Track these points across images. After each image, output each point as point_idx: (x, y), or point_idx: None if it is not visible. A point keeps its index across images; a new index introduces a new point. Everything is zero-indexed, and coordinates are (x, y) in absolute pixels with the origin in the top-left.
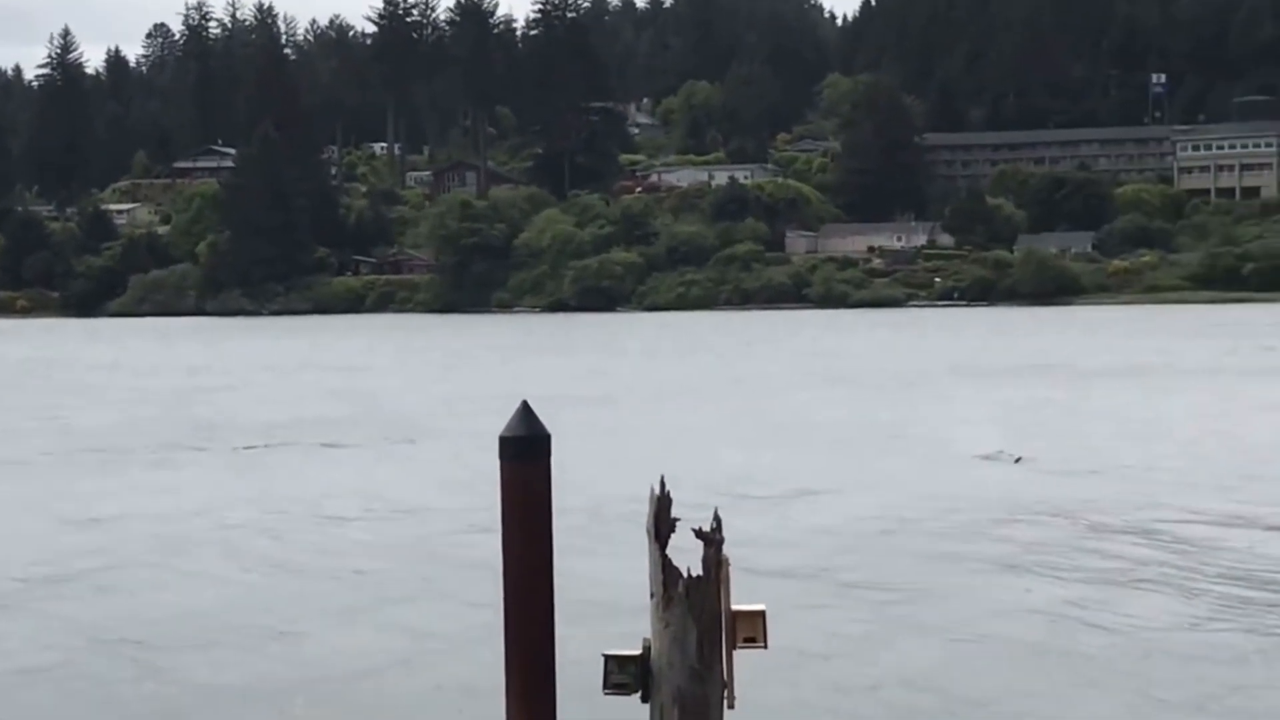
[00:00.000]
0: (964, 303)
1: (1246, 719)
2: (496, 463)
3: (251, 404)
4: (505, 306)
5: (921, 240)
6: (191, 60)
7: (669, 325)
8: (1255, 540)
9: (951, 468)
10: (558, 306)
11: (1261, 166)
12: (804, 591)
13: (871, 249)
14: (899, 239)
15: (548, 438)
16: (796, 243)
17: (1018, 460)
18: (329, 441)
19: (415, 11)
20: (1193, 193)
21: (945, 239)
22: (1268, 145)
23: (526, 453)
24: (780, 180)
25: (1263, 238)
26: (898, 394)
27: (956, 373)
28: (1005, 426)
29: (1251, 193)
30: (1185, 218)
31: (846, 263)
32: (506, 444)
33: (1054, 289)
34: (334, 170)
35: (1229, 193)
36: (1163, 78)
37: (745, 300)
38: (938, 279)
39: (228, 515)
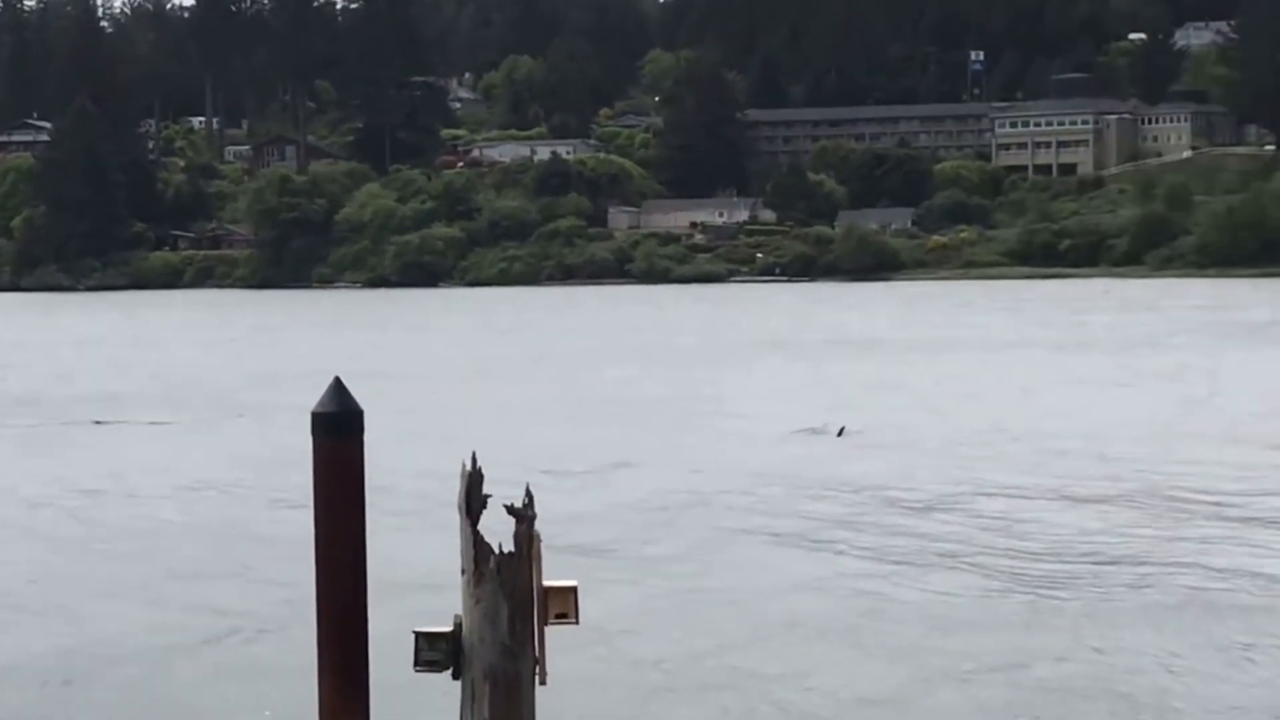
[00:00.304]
0: (785, 278)
1: (1044, 690)
2: (309, 439)
3: (61, 380)
4: (326, 282)
5: (743, 216)
6: (6, 33)
7: (491, 301)
8: (1060, 514)
9: (770, 442)
10: (379, 282)
11: (1078, 143)
12: (618, 567)
13: (694, 225)
14: (721, 215)
15: (360, 414)
16: (619, 218)
17: (840, 433)
18: (141, 418)
19: None
20: (1010, 169)
21: (767, 215)
22: (1084, 122)
23: (339, 429)
24: (603, 156)
25: (1079, 214)
26: (718, 369)
27: (777, 347)
28: (826, 400)
29: (1068, 169)
30: (1003, 194)
31: (669, 238)
32: (319, 420)
33: (874, 264)
34: (151, 144)
35: (1046, 169)
36: (981, 55)
37: (568, 276)
38: (760, 255)
39: (33, 493)
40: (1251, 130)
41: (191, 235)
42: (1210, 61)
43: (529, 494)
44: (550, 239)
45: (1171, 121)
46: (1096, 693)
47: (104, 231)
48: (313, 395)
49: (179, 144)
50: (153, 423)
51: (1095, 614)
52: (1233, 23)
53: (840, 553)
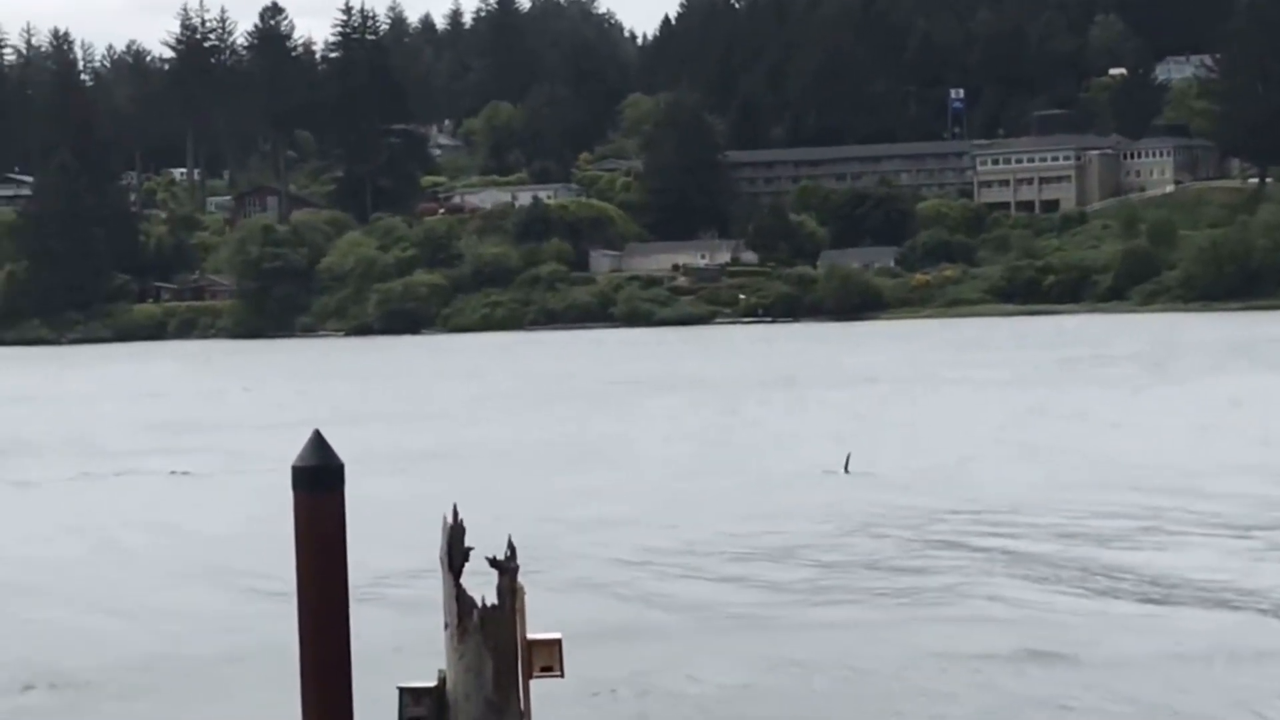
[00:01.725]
0: (769, 319)
1: None
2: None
3: (48, 431)
4: (309, 331)
5: (725, 258)
6: None
7: (473, 347)
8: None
9: (785, 481)
10: (362, 330)
11: (1060, 179)
12: (606, 617)
13: (676, 267)
14: (703, 257)
15: (341, 467)
16: (601, 262)
17: (846, 464)
18: (114, 469)
19: (212, 36)
20: (993, 206)
21: (749, 256)
22: (1065, 158)
23: (319, 483)
24: (584, 200)
25: (1062, 250)
26: (734, 405)
27: (778, 386)
28: (833, 436)
29: (1051, 205)
30: (986, 231)
31: (651, 281)
32: (299, 474)
33: (858, 304)
34: (133, 197)
35: (1029, 206)
36: (961, 93)
37: (551, 320)
38: (742, 296)
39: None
40: (1235, 163)
41: (174, 286)
42: (1192, 95)
43: (511, 545)
44: (532, 284)
45: (1154, 156)
46: None
47: (86, 284)
48: (295, 445)
49: (160, 196)
50: (130, 472)
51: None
52: (1215, 56)
53: (839, 596)
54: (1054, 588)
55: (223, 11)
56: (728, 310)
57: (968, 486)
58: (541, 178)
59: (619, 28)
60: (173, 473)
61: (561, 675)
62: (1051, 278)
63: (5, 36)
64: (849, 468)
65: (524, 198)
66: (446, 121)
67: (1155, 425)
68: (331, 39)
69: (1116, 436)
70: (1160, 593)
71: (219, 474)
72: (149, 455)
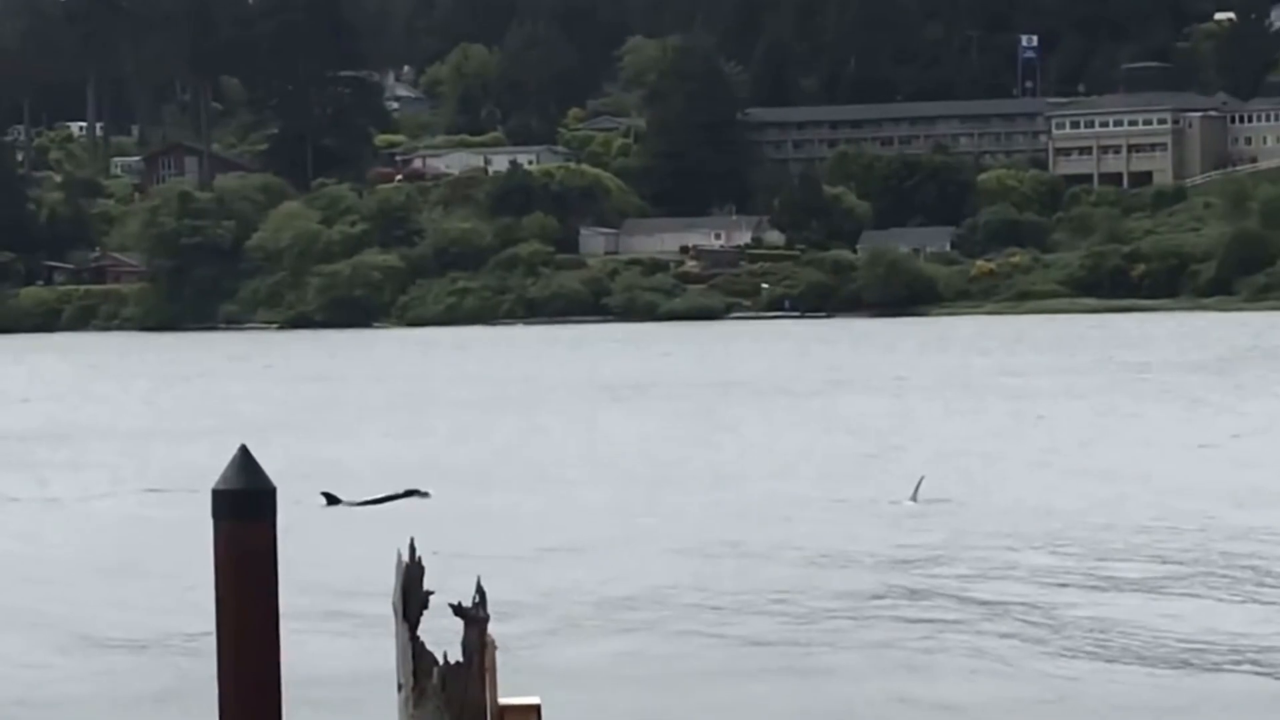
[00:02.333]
0: (797, 314)
1: None
2: (209, 521)
3: None
4: (235, 322)
5: (745, 238)
6: None
7: (435, 343)
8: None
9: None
10: (300, 322)
11: (1154, 147)
12: (590, 676)
13: (684, 249)
14: (717, 237)
15: (272, 492)
16: (593, 242)
17: (916, 491)
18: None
19: None
20: (1071, 179)
21: (774, 236)
22: (1161, 122)
23: (246, 509)
24: (573, 166)
25: (1155, 233)
26: (752, 417)
27: (787, 395)
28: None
29: (1142, 179)
30: (1063, 209)
31: (654, 266)
32: (222, 499)
33: (906, 296)
34: (21, 156)
35: (1115, 179)
36: (1034, 40)
37: (531, 312)
38: (765, 285)
39: None
40: None
41: (70, 267)
42: None
43: (480, 589)
44: (509, 268)
45: (1268, 119)
46: None
47: None
48: (210, 465)
49: (54, 155)
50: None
51: None
52: None
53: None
54: (1100, 650)
55: None
56: (747, 302)
57: (1021, 521)
58: (521, 138)
59: None
60: (31, 497)
61: None
62: (1142, 267)
63: None
64: (917, 495)
65: (499, 162)
66: (406, 68)
67: (1247, 451)
68: None
69: (1196, 465)
70: (1226, 659)
71: (91, 498)
72: (5, 473)
